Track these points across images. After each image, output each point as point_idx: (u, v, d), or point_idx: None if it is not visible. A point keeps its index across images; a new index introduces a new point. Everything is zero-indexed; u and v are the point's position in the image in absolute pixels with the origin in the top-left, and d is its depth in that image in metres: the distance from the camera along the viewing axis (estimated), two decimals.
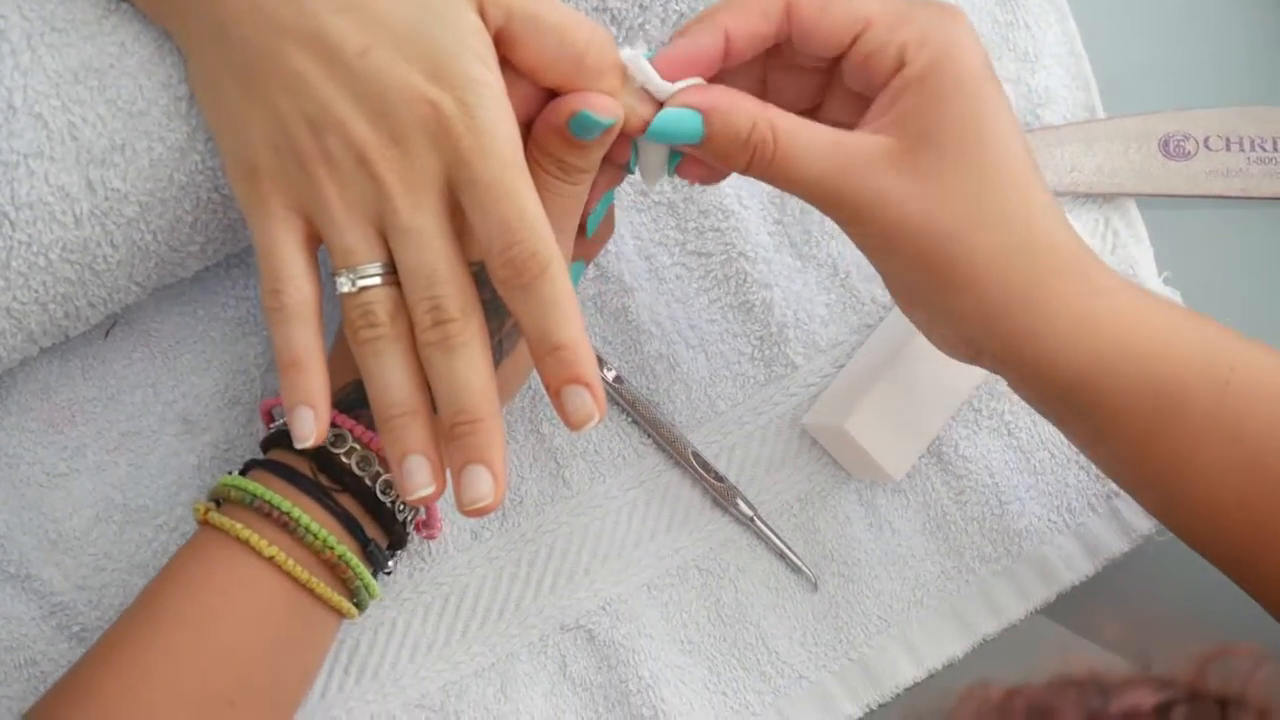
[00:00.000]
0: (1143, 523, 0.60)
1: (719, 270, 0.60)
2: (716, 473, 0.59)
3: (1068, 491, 0.60)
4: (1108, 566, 0.60)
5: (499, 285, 0.42)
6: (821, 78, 0.49)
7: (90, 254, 0.47)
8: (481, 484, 0.42)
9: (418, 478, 0.43)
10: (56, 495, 0.55)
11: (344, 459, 0.49)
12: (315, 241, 0.43)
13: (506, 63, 0.43)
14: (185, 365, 0.56)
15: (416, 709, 0.57)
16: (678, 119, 0.45)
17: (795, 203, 0.60)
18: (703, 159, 0.47)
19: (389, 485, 0.50)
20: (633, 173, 0.48)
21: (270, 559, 0.47)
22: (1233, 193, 0.62)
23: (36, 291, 0.47)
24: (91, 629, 0.55)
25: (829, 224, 0.60)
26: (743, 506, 0.59)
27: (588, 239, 0.50)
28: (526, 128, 0.44)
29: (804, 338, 0.60)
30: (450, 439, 0.43)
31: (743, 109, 0.44)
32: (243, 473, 0.50)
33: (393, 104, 0.41)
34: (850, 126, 0.46)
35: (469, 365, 0.42)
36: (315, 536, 0.48)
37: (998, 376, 0.49)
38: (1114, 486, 0.60)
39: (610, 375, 0.59)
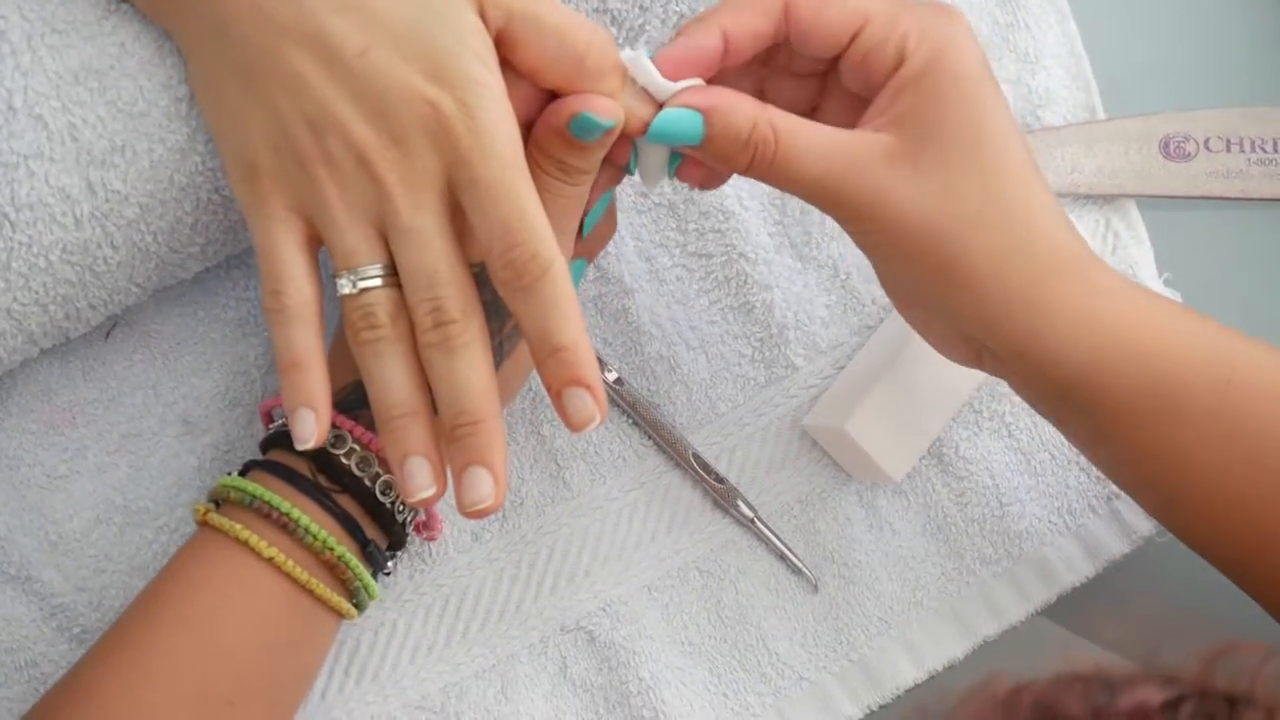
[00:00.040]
0: (1143, 524, 0.60)
1: (719, 272, 0.60)
2: (717, 474, 0.59)
3: (1068, 493, 0.60)
4: (1108, 568, 0.60)
5: (500, 286, 0.42)
6: (818, 82, 0.49)
7: (91, 255, 0.47)
8: (482, 485, 0.42)
9: (419, 479, 0.43)
10: (57, 497, 0.55)
11: (343, 460, 0.49)
12: (316, 242, 0.43)
13: (507, 64, 0.43)
14: (186, 367, 0.56)
15: (417, 710, 0.57)
16: (678, 119, 0.45)
17: (796, 204, 0.60)
18: (703, 160, 0.47)
19: (388, 486, 0.50)
20: (633, 174, 0.48)
21: (270, 560, 0.47)
22: (1233, 194, 0.62)
23: (37, 293, 0.47)
24: (92, 631, 0.55)
25: (830, 225, 0.60)
26: (743, 508, 0.59)
27: (584, 238, 0.50)
28: (527, 129, 0.44)
29: (804, 339, 0.60)
30: (451, 440, 0.43)
31: (743, 109, 0.44)
32: (242, 473, 0.50)
33: (392, 104, 0.41)
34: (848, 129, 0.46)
35: (470, 366, 0.42)
36: (315, 537, 0.48)
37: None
38: (1114, 488, 0.60)
39: (611, 377, 0.58)
